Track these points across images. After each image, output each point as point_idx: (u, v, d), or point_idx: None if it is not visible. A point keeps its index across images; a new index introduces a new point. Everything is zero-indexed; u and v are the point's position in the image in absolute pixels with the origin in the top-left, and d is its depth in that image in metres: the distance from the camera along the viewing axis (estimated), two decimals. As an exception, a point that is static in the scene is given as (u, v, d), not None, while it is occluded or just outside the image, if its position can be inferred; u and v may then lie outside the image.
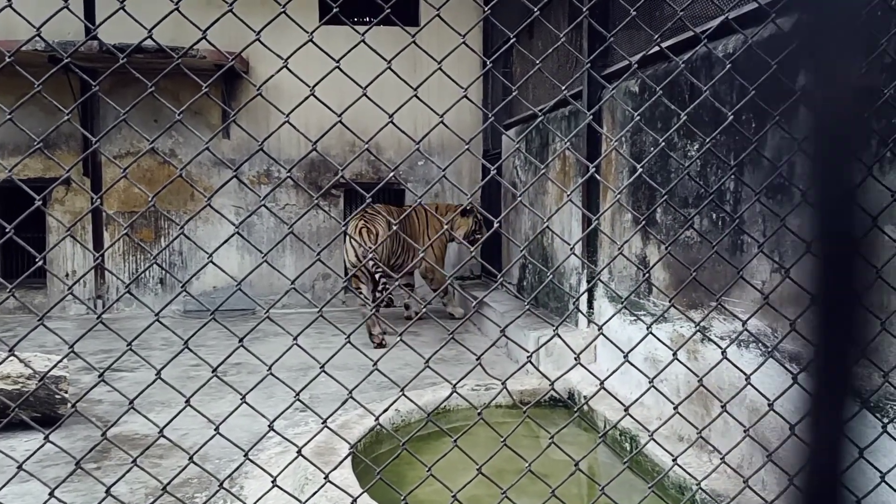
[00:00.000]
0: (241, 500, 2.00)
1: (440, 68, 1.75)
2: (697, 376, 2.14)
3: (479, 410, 1.91)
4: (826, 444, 0.62)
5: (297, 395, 1.79)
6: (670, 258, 3.73)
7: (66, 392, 4.35)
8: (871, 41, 1.97)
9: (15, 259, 8.49)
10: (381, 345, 6.40)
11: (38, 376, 4.07)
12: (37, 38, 1.52)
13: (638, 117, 2.08)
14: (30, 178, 7.91)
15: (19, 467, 1.63)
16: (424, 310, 1.79)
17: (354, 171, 8.77)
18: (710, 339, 3.41)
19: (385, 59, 1.75)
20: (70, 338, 1.63)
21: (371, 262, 6.67)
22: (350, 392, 1.83)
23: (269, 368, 1.75)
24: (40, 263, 1.61)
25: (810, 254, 0.63)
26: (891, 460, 2.21)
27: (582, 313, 5.32)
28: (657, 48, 2.33)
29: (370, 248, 6.73)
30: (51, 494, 1.66)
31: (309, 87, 1.67)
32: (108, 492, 1.70)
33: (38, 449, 1.75)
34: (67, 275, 8.24)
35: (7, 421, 1.92)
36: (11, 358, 4.00)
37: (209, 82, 1.68)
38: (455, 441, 1.90)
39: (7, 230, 1.49)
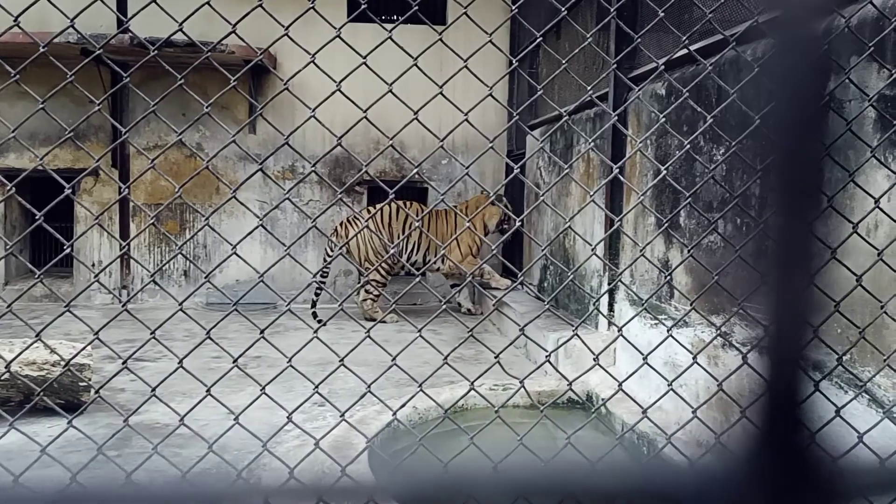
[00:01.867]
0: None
1: (466, 66, 1.76)
2: (717, 381, 2.12)
3: (496, 409, 1.92)
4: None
5: (316, 388, 1.81)
6: (693, 262, 3.70)
7: (90, 379, 4.42)
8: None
9: (44, 249, 8.63)
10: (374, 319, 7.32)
11: (63, 363, 4.14)
12: (70, 31, 1.55)
13: (663, 120, 2.07)
14: (59, 168, 8.02)
15: (42, 451, 1.66)
16: (444, 306, 1.80)
17: (378, 168, 8.80)
18: (731, 345, 3.38)
19: (412, 57, 1.76)
20: (95, 326, 1.66)
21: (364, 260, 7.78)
22: (368, 387, 1.84)
23: (289, 361, 1.77)
24: (68, 251, 1.64)
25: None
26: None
27: (603, 315, 5.30)
28: (685, 51, 2.31)
29: (336, 246, 7.84)
30: (72, 479, 1.69)
31: (335, 82, 1.68)
32: (128, 478, 1.73)
33: (61, 434, 1.79)
34: (94, 265, 8.35)
35: (31, 406, 1.95)
36: (37, 344, 4.05)
37: (237, 76, 1.70)
38: (472, 439, 1.91)
39: (37, 217, 1.52)
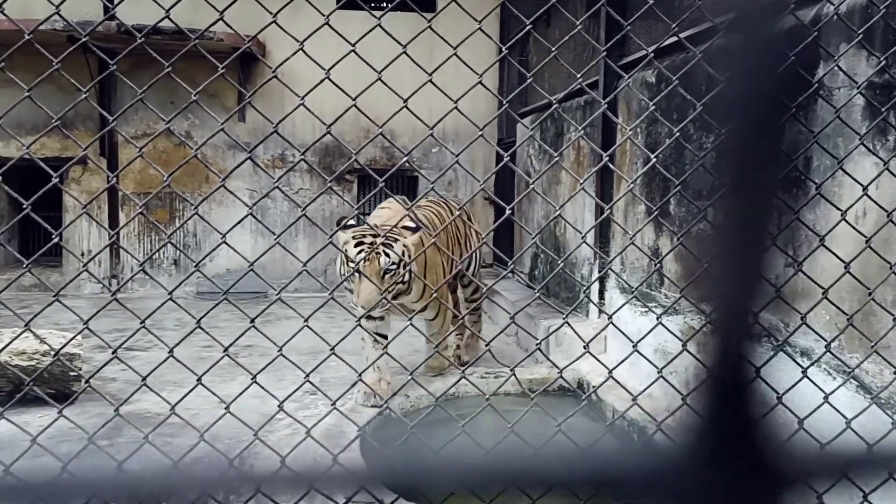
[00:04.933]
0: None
1: (455, 54, 1.75)
2: (707, 368, 2.14)
3: (487, 397, 1.92)
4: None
5: (307, 376, 1.81)
6: (683, 250, 3.72)
7: (81, 369, 4.40)
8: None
9: (32, 239, 8.58)
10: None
11: (52, 353, 4.12)
12: (56, 18, 1.54)
13: (653, 108, 2.07)
14: (47, 157, 7.96)
15: (33, 441, 1.66)
16: (434, 295, 1.80)
17: (368, 156, 8.78)
18: (720, 332, 3.40)
19: (401, 45, 1.75)
20: (85, 316, 1.65)
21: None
22: (360, 375, 1.84)
23: (280, 350, 1.76)
24: (56, 241, 1.63)
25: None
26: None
27: (593, 303, 5.31)
28: (674, 38, 2.31)
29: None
30: (63, 469, 1.69)
31: (324, 69, 1.68)
32: (119, 468, 1.73)
33: (52, 424, 1.78)
34: (83, 254, 8.31)
35: (21, 396, 1.94)
36: (27, 334, 4.04)
37: (225, 63, 1.69)
38: (462, 426, 1.92)
39: (24, 206, 1.51)
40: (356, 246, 4.01)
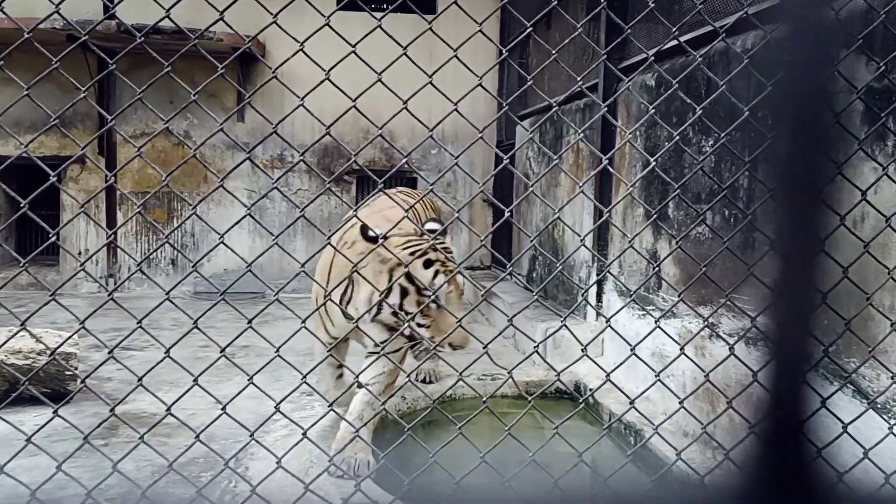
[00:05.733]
0: (246, 481, 2.02)
1: (456, 56, 1.75)
2: (704, 372, 2.14)
3: (484, 399, 1.92)
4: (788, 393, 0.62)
5: (304, 377, 1.80)
6: (681, 253, 3.72)
7: (77, 368, 4.39)
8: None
9: (29, 237, 8.56)
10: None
11: (49, 352, 4.11)
12: (55, 17, 1.53)
13: (653, 111, 2.07)
14: (45, 155, 7.95)
15: (28, 440, 1.65)
16: (433, 296, 1.79)
17: (367, 157, 8.77)
18: (718, 336, 3.40)
19: (401, 46, 1.75)
20: (81, 315, 1.65)
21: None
22: (357, 377, 1.84)
23: (277, 351, 1.76)
24: (53, 239, 1.63)
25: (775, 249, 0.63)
26: (896, 462, 2.19)
27: (591, 306, 5.31)
28: (674, 42, 2.32)
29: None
30: (58, 468, 1.68)
31: (324, 70, 1.67)
32: (114, 467, 1.72)
33: (47, 423, 1.77)
34: (80, 253, 8.30)
35: (17, 395, 1.94)
36: (23, 333, 4.03)
37: (225, 63, 1.69)
38: (459, 429, 1.91)
39: (21, 205, 1.50)
40: (426, 267, 2.85)
